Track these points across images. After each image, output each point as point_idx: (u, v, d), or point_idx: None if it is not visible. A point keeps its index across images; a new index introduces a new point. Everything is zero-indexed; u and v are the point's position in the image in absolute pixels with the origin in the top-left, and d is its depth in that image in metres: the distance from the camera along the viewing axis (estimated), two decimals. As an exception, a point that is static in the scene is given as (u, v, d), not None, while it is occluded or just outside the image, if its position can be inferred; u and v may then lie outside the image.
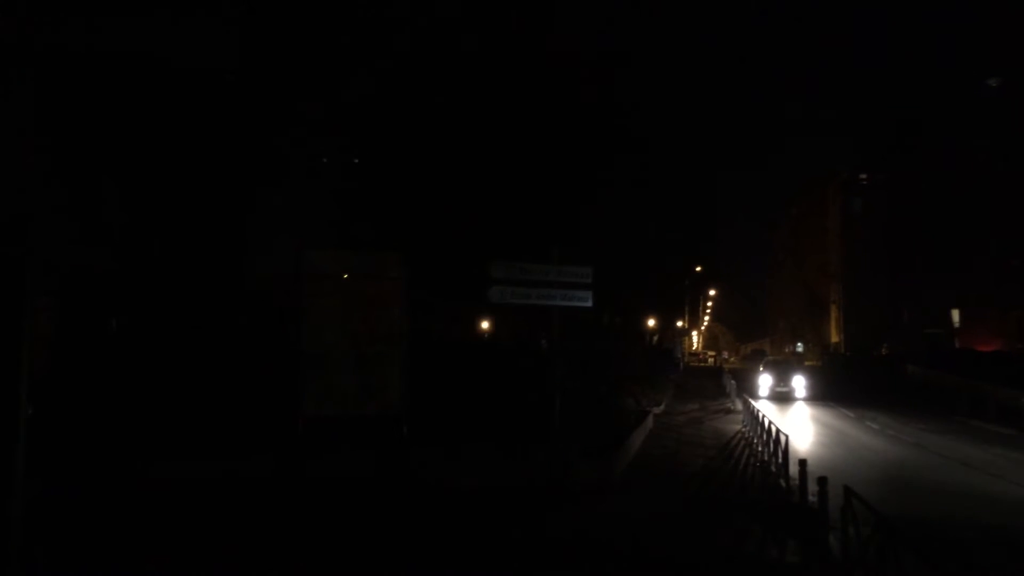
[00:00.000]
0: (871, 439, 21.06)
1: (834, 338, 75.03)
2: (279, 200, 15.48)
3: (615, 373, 23.19)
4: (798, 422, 24.87)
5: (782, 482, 13.13)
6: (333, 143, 15.70)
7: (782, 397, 33.42)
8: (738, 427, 23.01)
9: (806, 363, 65.56)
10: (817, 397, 33.96)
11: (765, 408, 24.30)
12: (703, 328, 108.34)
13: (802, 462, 11.53)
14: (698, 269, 68.90)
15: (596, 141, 20.64)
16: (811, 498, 10.22)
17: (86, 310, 14.79)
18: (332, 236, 14.96)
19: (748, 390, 32.02)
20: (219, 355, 14.56)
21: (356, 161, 15.83)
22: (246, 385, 13.95)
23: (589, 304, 15.76)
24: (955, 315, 49.66)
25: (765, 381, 34.79)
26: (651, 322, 53.18)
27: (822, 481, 8.81)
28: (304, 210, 14.77)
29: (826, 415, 27.63)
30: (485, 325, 31.74)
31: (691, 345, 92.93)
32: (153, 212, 15.93)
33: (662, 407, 26.91)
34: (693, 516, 11.22)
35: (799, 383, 34.21)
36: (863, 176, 70.42)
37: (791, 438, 14.43)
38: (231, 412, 13.10)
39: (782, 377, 34.79)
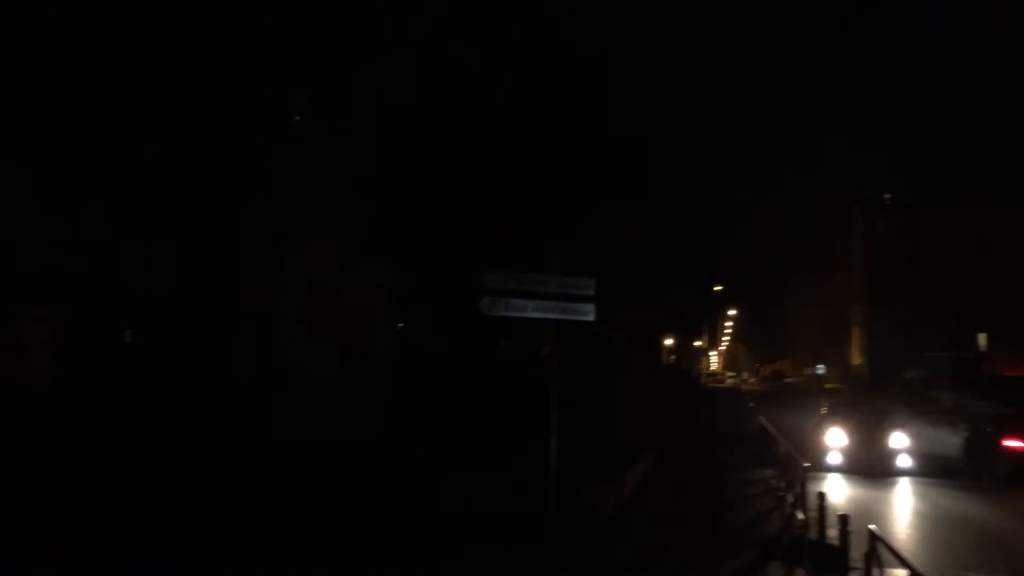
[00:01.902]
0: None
1: (855, 360, 73.27)
2: (263, 206, 14.58)
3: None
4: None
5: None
6: (322, 144, 14.78)
7: (871, 468, 19.28)
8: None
9: (826, 386, 63.90)
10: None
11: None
12: (722, 348, 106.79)
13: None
14: (718, 288, 67.65)
15: (601, 149, 19.65)
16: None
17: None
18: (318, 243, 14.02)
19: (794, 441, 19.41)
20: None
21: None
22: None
23: (591, 318, 14.67)
24: (981, 339, 48.07)
25: (836, 439, 19.90)
26: (668, 341, 52.00)
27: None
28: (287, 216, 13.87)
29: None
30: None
31: (709, 365, 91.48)
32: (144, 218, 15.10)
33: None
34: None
35: (899, 442, 19.66)
36: (887, 196, 68.94)
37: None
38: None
39: (863, 430, 20.04)
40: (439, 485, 11.09)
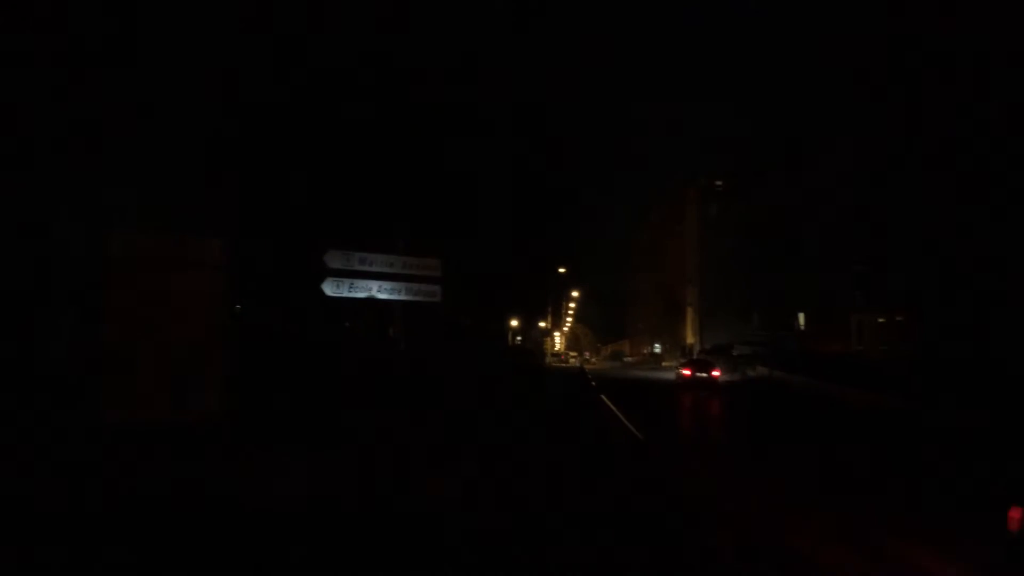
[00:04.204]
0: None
1: (690, 339, 77.09)
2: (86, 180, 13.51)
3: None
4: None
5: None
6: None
7: (697, 383, 36.95)
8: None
9: (663, 364, 66.99)
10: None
11: None
12: (566, 329, 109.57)
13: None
14: (561, 270, 69.23)
15: (444, 130, 19.56)
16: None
17: None
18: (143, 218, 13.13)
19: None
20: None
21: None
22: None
23: (438, 299, 14.66)
24: (801, 318, 51.71)
25: (683, 370, 38.95)
26: (513, 322, 52.79)
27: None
28: (108, 188, 12.90)
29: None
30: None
31: (553, 345, 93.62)
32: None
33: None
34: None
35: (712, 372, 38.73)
36: (719, 183, 72.77)
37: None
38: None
39: (695, 367, 38.87)
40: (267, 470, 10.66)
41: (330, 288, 12.98)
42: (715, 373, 37.48)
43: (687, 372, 37.70)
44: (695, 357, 46.03)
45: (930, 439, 18.08)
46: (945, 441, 17.61)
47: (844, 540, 8.07)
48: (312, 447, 11.52)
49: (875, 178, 37.37)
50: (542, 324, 73.27)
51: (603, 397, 26.08)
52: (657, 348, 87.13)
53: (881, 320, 38.29)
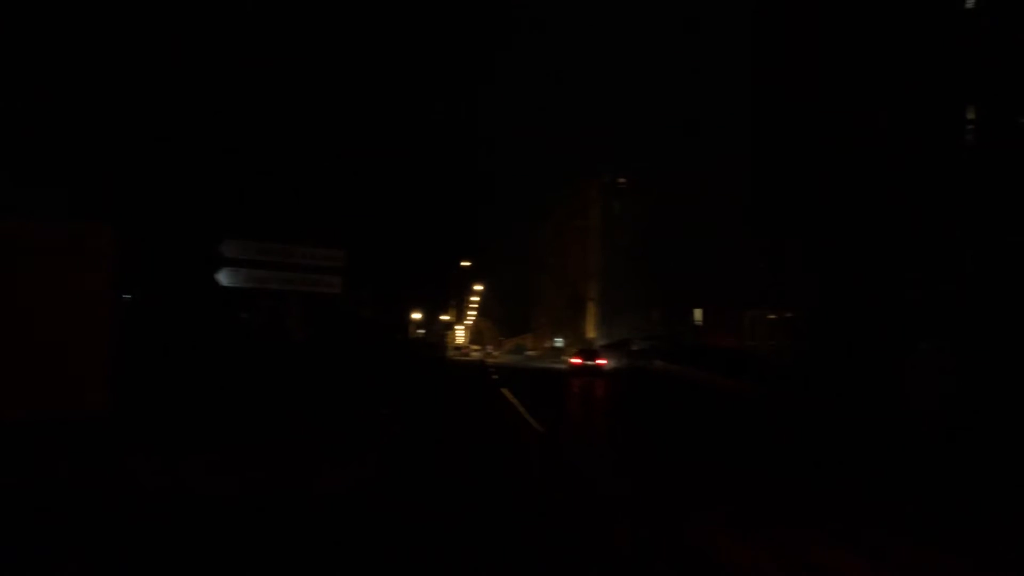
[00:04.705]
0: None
1: (591, 334, 78.25)
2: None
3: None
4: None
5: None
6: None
7: (587, 371, 42.15)
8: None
9: (563, 357, 67.82)
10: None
11: None
12: (468, 322, 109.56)
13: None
14: (465, 264, 69.03)
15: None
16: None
17: None
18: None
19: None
20: None
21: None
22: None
23: (338, 291, 14.31)
24: (698, 314, 53.14)
25: (574, 359, 45.10)
26: (416, 315, 52.31)
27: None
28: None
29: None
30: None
31: (456, 339, 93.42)
32: None
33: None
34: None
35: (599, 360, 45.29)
36: (622, 180, 74.03)
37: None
38: None
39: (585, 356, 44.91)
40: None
41: (226, 278, 12.48)
42: (600, 362, 44.03)
43: (577, 361, 43.80)
44: (584, 348, 52.34)
45: (768, 419, 21.62)
46: (777, 420, 21.36)
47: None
48: (195, 446, 11.05)
49: (770, 179, 38.67)
50: (445, 317, 72.91)
51: (504, 391, 26.36)
52: (559, 342, 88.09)
53: (772, 317, 39.68)
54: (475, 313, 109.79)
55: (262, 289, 13.37)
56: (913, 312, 24.99)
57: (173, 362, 13.56)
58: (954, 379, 19.53)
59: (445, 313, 72.12)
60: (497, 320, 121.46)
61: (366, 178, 21.83)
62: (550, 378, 39.07)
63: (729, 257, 45.21)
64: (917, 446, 16.25)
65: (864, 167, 29.04)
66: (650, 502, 9.44)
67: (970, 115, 24.66)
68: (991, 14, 23.59)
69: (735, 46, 43.80)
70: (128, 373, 11.87)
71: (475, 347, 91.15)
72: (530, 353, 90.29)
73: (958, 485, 11.78)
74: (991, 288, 22.35)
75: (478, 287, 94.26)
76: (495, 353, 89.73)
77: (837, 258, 30.64)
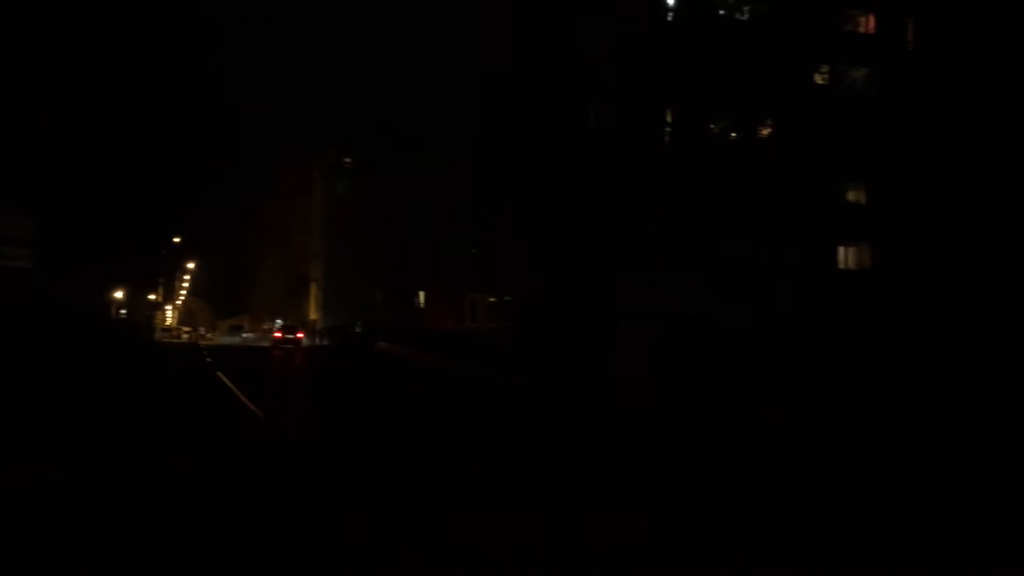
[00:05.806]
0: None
1: (313, 316, 76.73)
2: None
3: None
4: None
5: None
6: None
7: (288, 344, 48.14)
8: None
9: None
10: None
11: None
12: (179, 303, 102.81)
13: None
14: (177, 240, 64.50)
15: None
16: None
17: None
18: None
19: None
20: None
21: None
22: None
23: (26, 265, 12.75)
24: (421, 296, 54.07)
25: (278, 334, 52.89)
26: (118, 294, 48.04)
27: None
28: None
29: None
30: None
31: (164, 320, 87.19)
32: None
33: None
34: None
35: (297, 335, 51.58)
36: (347, 160, 73.09)
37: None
38: None
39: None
40: None
41: None
42: (299, 335, 51.10)
43: (278, 335, 51.92)
44: (286, 324, 59.91)
45: (451, 386, 23.97)
46: (479, 393, 22.69)
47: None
48: None
49: (489, 166, 40.11)
50: (152, 297, 67.62)
51: (219, 373, 25.03)
52: (279, 323, 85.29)
53: (492, 300, 41.34)
54: (187, 292, 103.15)
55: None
56: (613, 296, 27.32)
57: None
58: (648, 352, 22.09)
59: (153, 292, 66.94)
60: (212, 300, 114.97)
61: (60, 140, 19.52)
62: (261, 354, 40.55)
63: (451, 241, 46.41)
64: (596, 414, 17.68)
65: (571, 161, 30.97)
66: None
67: (668, 118, 27.35)
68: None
69: (463, 38, 44.81)
70: None
71: (186, 329, 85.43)
72: (247, 335, 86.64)
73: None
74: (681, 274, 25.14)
75: (191, 265, 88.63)
76: (208, 335, 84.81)
77: (548, 245, 32.51)
